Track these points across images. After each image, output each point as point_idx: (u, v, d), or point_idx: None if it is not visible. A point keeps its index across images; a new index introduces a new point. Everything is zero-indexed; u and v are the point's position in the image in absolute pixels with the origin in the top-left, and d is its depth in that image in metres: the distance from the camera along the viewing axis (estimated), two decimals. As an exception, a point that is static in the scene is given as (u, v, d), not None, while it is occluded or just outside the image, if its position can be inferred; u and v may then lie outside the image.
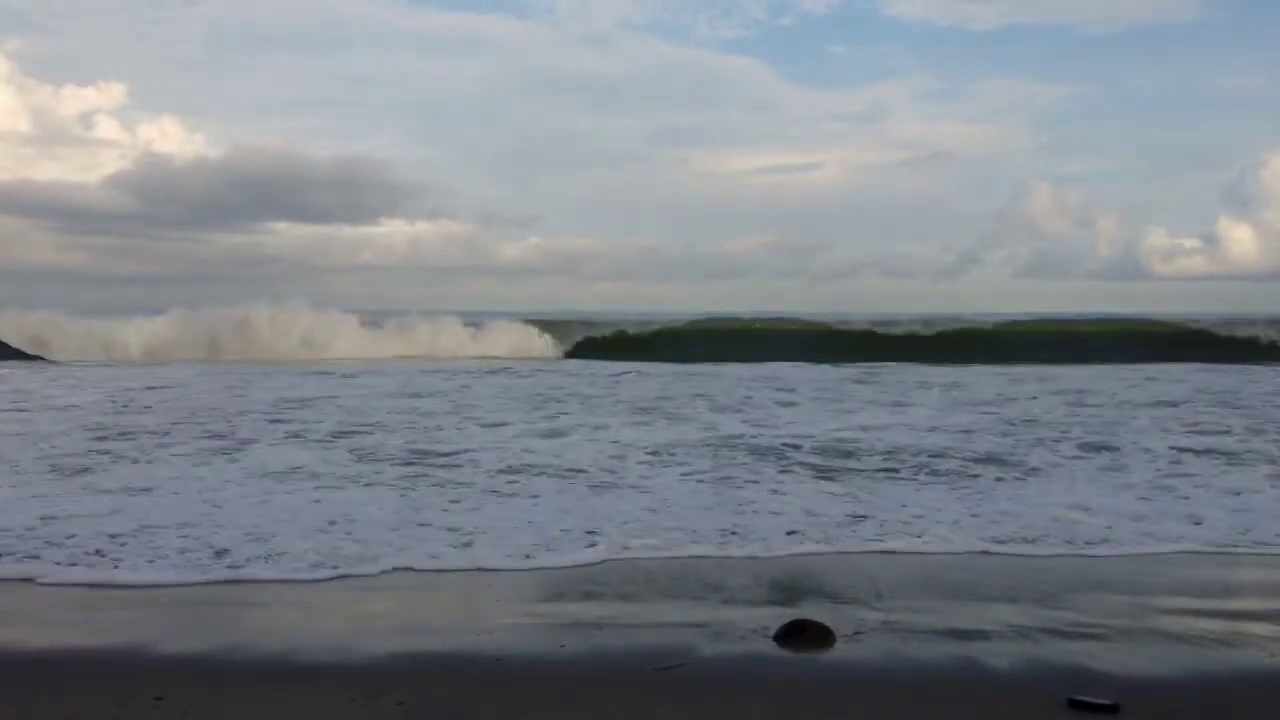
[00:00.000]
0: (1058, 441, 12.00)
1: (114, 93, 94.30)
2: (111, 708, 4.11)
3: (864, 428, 13.23)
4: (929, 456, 10.79)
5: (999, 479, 9.67)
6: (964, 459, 10.66)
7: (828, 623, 5.19)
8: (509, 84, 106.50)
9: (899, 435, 12.46)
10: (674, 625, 5.34)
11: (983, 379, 22.48)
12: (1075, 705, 4.14)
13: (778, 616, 5.31)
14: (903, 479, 9.66)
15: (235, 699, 4.24)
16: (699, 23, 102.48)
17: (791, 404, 16.68)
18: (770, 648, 4.97)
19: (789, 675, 4.62)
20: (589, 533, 7.33)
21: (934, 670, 4.69)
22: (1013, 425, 13.62)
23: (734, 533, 7.44)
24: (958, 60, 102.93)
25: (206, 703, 4.19)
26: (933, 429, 13.13)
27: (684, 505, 8.36)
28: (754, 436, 12.40)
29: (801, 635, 5.07)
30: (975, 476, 9.77)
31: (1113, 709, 4.10)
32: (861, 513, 8.09)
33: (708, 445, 11.60)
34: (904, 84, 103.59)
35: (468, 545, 6.97)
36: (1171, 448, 11.41)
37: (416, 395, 17.72)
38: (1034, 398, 17.95)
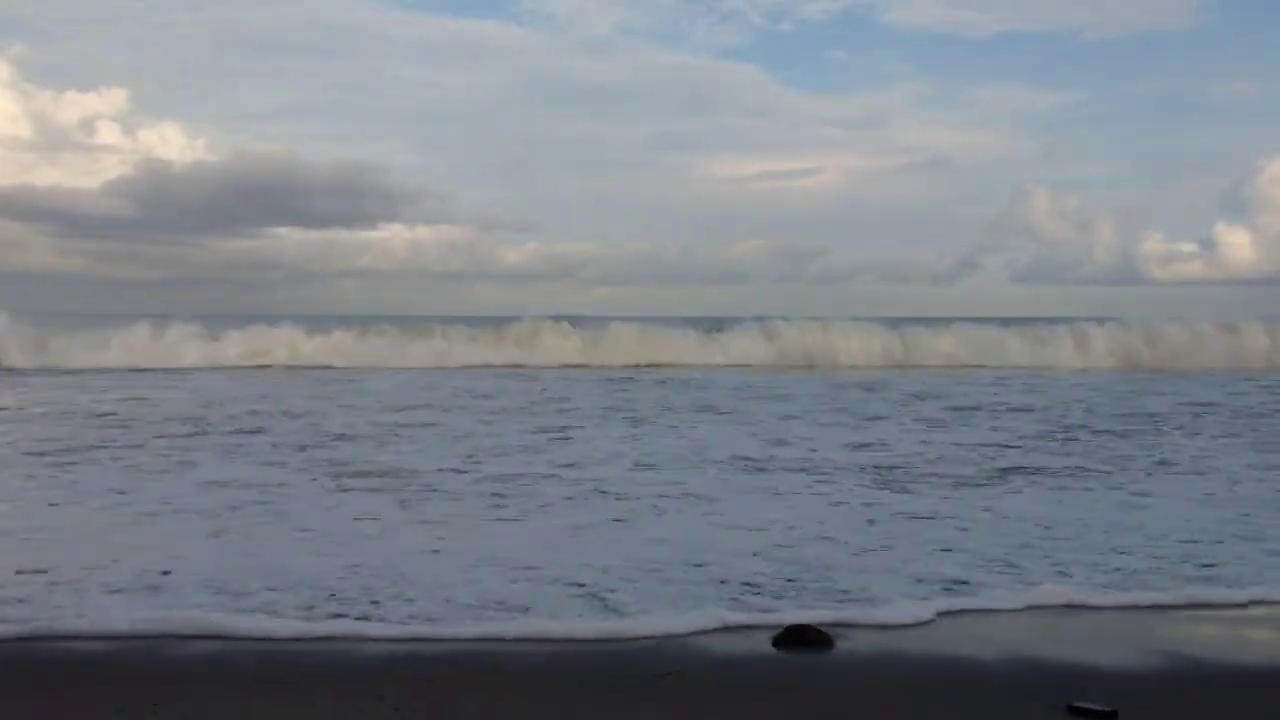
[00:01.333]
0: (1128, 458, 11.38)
1: (115, 98, 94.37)
2: (110, 714, 4.10)
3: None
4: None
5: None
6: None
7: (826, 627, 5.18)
8: (508, 90, 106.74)
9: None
10: (675, 631, 5.32)
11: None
12: (1074, 711, 4.13)
13: (779, 620, 5.30)
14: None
15: (233, 703, 4.23)
16: (697, 29, 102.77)
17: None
18: (770, 651, 4.97)
19: (788, 679, 4.61)
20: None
21: (932, 676, 4.69)
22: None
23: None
24: (955, 66, 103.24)
25: (204, 706, 4.18)
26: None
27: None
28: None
29: (800, 640, 5.05)
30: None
31: (1111, 715, 4.09)
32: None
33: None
34: (902, 90, 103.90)
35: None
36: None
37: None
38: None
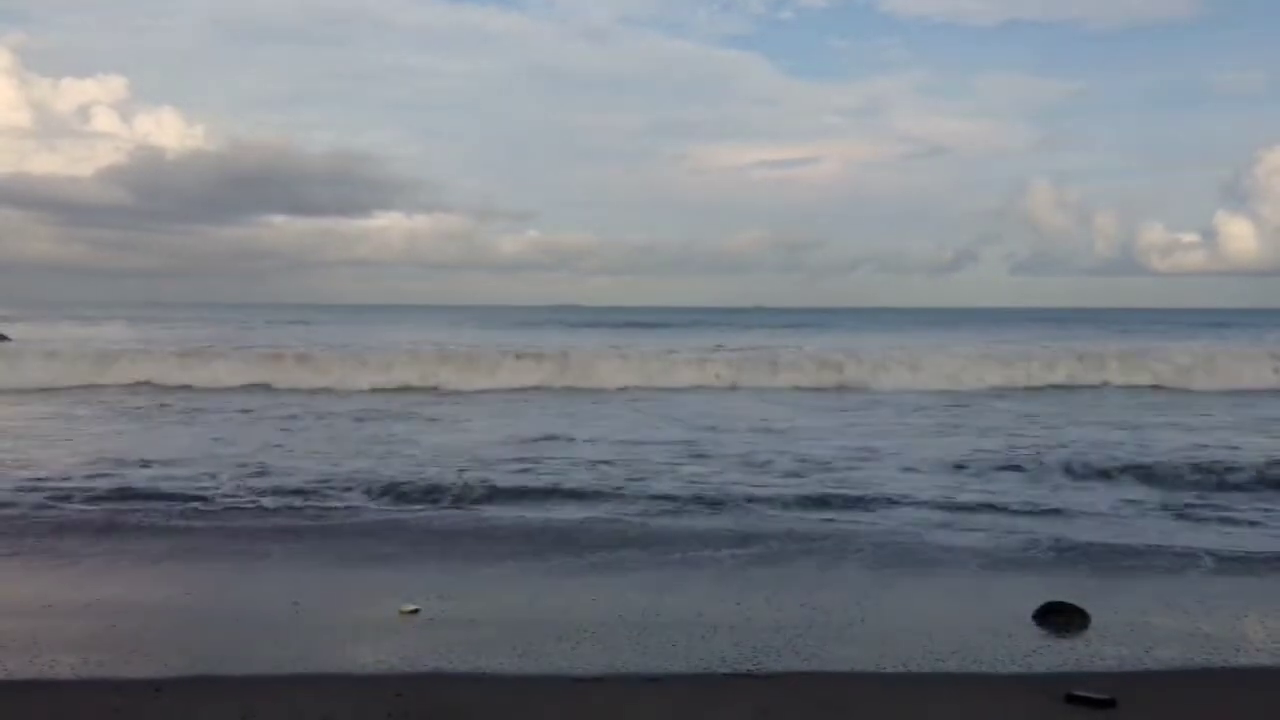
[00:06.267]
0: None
1: (113, 85, 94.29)
2: (113, 699, 4.12)
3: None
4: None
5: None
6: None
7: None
8: (508, 78, 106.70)
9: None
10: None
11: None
12: (1073, 700, 4.16)
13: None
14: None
15: (235, 693, 4.25)
16: (699, 17, 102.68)
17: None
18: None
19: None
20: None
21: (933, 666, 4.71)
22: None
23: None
24: (956, 55, 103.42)
25: (206, 696, 4.20)
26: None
27: None
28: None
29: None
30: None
31: (1110, 704, 4.11)
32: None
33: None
34: (903, 79, 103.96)
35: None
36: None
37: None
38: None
